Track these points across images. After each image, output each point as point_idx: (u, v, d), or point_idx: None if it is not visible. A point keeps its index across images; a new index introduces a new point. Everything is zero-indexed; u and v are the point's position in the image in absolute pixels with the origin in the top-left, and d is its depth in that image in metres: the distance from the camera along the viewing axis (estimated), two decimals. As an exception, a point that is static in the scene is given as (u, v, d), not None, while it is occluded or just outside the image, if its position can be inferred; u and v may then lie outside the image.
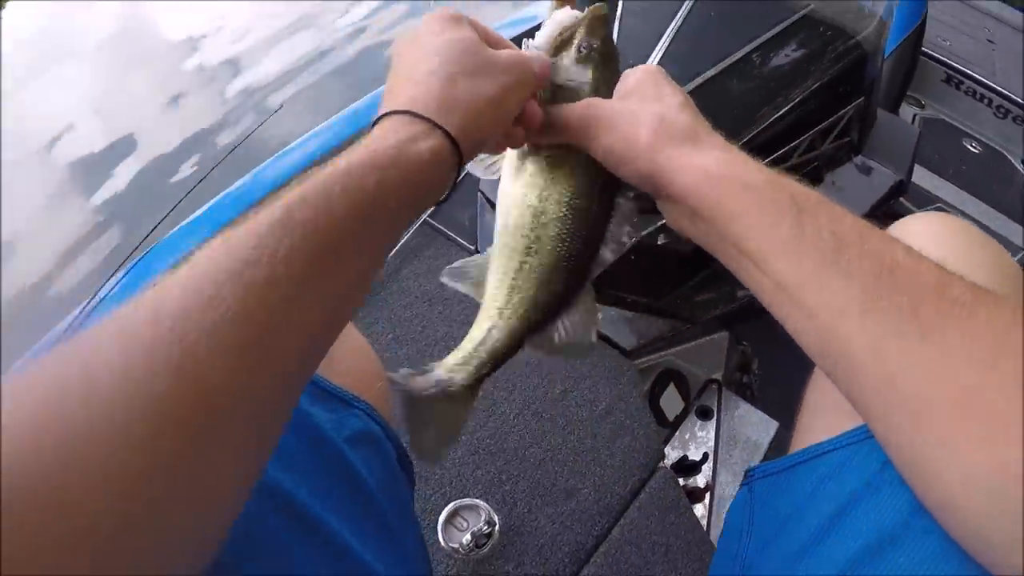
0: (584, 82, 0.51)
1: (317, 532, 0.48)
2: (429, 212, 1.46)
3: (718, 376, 1.31)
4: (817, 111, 1.23)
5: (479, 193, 1.32)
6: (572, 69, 0.51)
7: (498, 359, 0.52)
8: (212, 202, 1.34)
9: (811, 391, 0.59)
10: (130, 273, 1.23)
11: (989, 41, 2.22)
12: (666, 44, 1.15)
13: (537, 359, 1.22)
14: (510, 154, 0.53)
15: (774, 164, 1.20)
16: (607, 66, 0.52)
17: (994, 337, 0.37)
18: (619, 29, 1.19)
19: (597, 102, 0.50)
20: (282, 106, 2.16)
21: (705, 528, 1.15)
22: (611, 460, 1.11)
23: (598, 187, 0.51)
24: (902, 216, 0.63)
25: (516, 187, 0.52)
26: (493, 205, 0.99)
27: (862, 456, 0.48)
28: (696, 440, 1.25)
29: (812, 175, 1.32)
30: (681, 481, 1.15)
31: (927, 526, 0.41)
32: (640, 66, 0.53)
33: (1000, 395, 0.35)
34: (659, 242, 1.12)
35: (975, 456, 0.35)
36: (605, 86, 0.52)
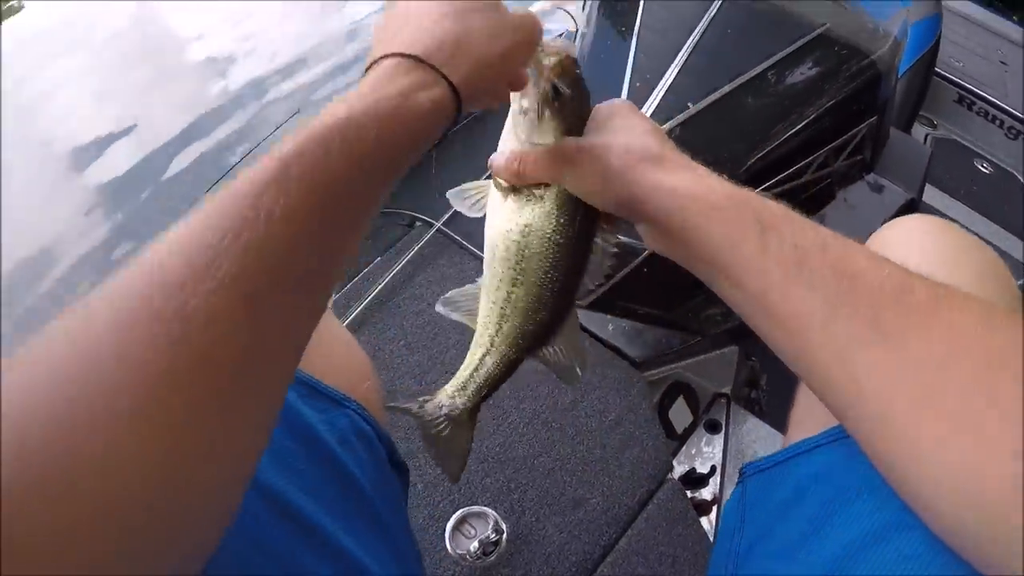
0: (557, 123, 0.52)
1: (310, 531, 0.48)
2: (443, 220, 1.47)
3: (727, 390, 1.31)
4: (831, 129, 1.24)
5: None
6: (544, 111, 0.51)
7: (493, 384, 0.55)
8: None
9: (802, 391, 0.59)
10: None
11: (1002, 63, 2.23)
12: (683, 59, 1.16)
13: (547, 369, 1.23)
14: (493, 191, 0.55)
15: (787, 180, 1.22)
16: (578, 105, 0.53)
17: (953, 338, 0.37)
18: (637, 43, 1.20)
19: (567, 141, 0.50)
20: (299, 111, 2.17)
21: (712, 540, 1.15)
22: (619, 471, 1.12)
23: (577, 220, 0.52)
24: None
25: (500, 222, 0.53)
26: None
27: (851, 450, 0.48)
28: (704, 453, 1.25)
29: (825, 192, 1.32)
30: (689, 493, 1.15)
31: (912, 522, 0.41)
32: (610, 100, 0.55)
33: (957, 395, 0.36)
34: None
35: (937, 455, 0.36)
36: (578, 123, 0.53)
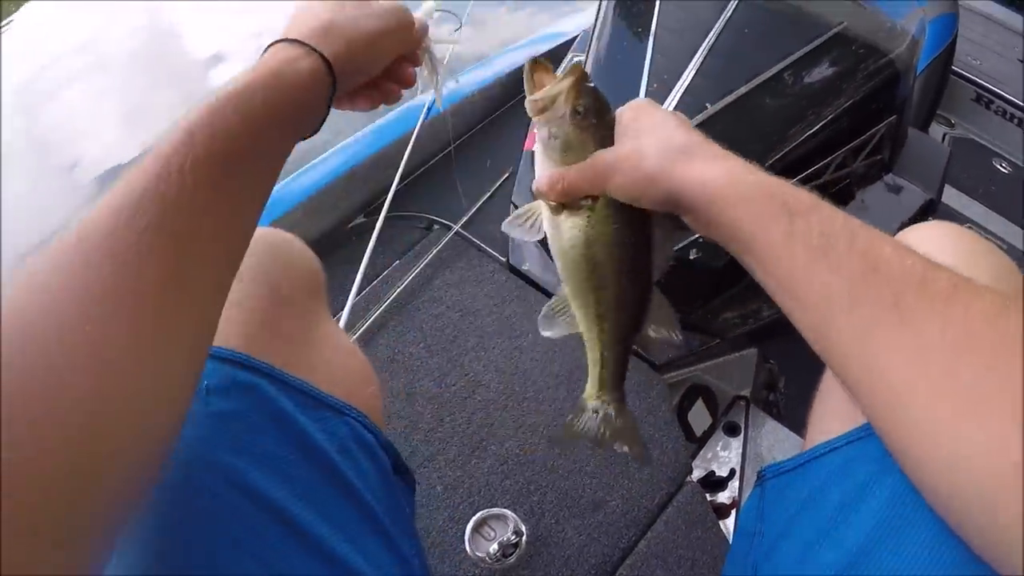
0: (586, 140, 0.54)
1: (309, 541, 0.48)
2: (461, 223, 1.48)
3: (746, 393, 1.30)
4: (849, 129, 1.24)
5: (511, 205, 1.33)
6: (572, 133, 0.53)
7: (620, 370, 0.59)
8: None
9: (820, 394, 0.60)
10: None
11: (1020, 60, 2.21)
12: (700, 60, 1.16)
13: (567, 371, 1.23)
14: (546, 214, 0.57)
15: (806, 181, 1.21)
16: (601, 118, 0.54)
17: (970, 323, 0.38)
18: (654, 44, 1.20)
19: (600, 154, 0.53)
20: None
21: (731, 544, 1.15)
22: (639, 473, 1.12)
23: (632, 220, 0.54)
24: None
25: (562, 240, 0.56)
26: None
27: (871, 449, 0.49)
28: (723, 456, 1.24)
29: (843, 192, 1.32)
30: (708, 496, 1.15)
31: (923, 518, 0.43)
32: (630, 103, 0.56)
33: (972, 378, 0.36)
34: (691, 257, 1.12)
35: (949, 438, 0.37)
36: (607, 133, 0.54)
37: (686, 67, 1.16)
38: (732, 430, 1.27)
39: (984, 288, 0.40)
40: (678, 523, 1.08)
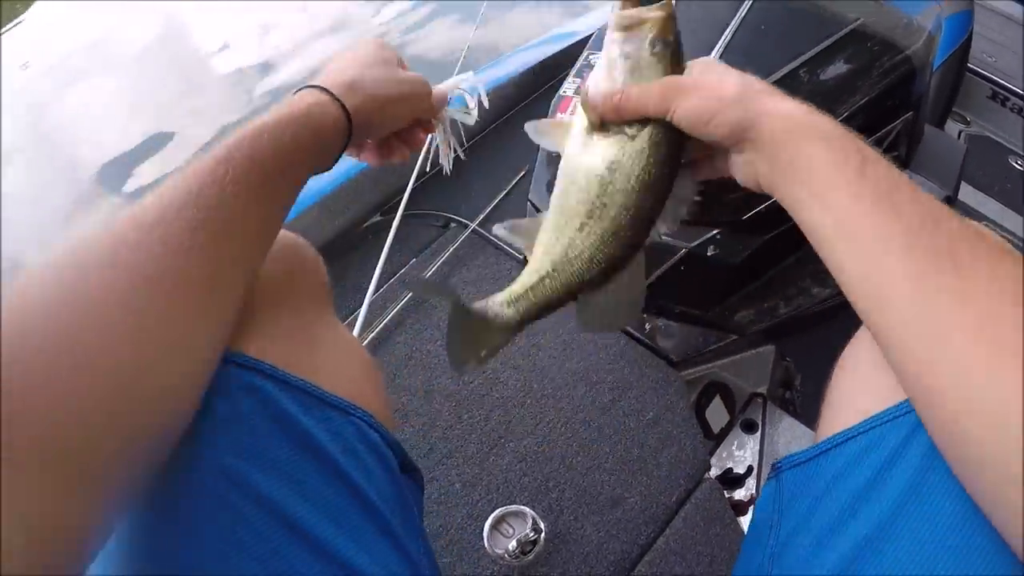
0: (658, 71, 0.54)
1: (313, 542, 0.49)
2: (478, 221, 1.48)
3: (763, 390, 1.30)
4: (866, 125, 1.23)
5: (528, 203, 1.33)
6: (647, 59, 0.54)
7: (545, 307, 0.57)
8: None
9: (833, 386, 0.60)
10: None
11: None
12: (717, 57, 1.16)
13: (584, 368, 1.23)
14: (577, 126, 0.57)
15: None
16: (676, 59, 0.55)
17: (1018, 281, 0.40)
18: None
19: (675, 76, 0.54)
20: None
21: (745, 538, 1.15)
22: (657, 470, 1.12)
23: (664, 163, 0.55)
24: None
25: (585, 157, 0.56)
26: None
27: (887, 436, 0.50)
28: (740, 453, 1.24)
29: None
30: (725, 493, 1.15)
31: (939, 504, 0.44)
32: (700, 59, 0.58)
33: (1014, 327, 0.38)
34: (708, 253, 1.12)
35: (981, 380, 0.39)
36: (677, 72, 0.55)
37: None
38: (749, 427, 1.27)
39: None
40: (697, 520, 1.08)
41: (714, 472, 1.19)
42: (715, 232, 1.12)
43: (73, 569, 0.37)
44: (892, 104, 1.26)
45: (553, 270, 0.56)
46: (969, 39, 1.85)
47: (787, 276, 1.27)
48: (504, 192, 1.57)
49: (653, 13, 0.53)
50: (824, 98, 1.18)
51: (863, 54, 1.23)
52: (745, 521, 1.15)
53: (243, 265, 0.50)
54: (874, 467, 0.49)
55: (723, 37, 1.19)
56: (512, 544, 1.01)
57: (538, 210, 1.30)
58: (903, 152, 1.35)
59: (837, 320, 1.28)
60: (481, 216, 1.49)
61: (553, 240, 0.56)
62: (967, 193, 1.85)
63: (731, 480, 1.20)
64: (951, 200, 1.39)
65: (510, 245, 0.60)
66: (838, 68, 1.22)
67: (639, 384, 1.21)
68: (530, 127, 0.59)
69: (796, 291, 1.26)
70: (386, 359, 1.28)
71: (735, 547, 1.06)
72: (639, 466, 1.12)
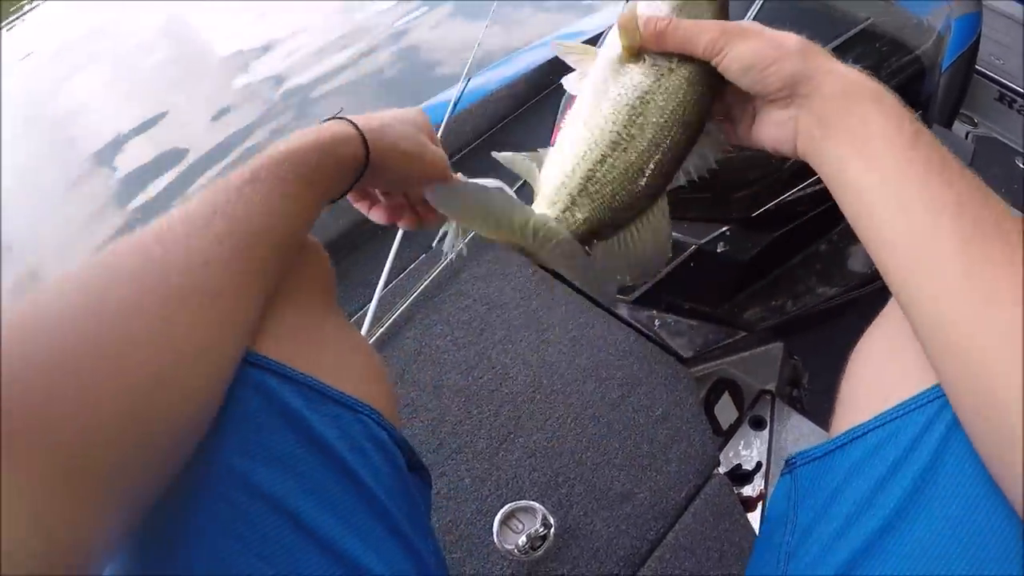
0: (706, 14, 0.54)
1: (320, 539, 0.49)
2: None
3: (771, 387, 1.30)
4: (875, 124, 1.23)
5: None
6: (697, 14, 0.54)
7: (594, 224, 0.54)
8: None
9: (846, 381, 0.60)
10: None
11: None
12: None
13: (593, 364, 1.23)
14: (607, 50, 0.55)
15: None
16: (724, 10, 0.55)
17: None
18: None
19: (733, 21, 0.54)
20: (342, 109, 2.21)
21: (759, 536, 1.15)
22: (667, 466, 1.12)
23: (699, 105, 0.54)
24: None
25: (614, 85, 0.54)
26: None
27: (902, 429, 0.50)
28: (749, 449, 1.25)
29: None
30: (735, 489, 1.15)
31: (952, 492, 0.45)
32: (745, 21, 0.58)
33: None
34: (718, 250, 1.13)
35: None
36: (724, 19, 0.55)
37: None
38: (758, 424, 1.27)
39: None
40: (706, 515, 1.08)
41: (723, 468, 1.19)
42: (724, 229, 1.13)
43: (92, 570, 0.38)
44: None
45: (574, 204, 0.54)
46: (978, 40, 1.85)
47: (794, 274, 1.27)
48: (515, 187, 1.56)
49: None
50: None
51: (872, 54, 1.24)
52: (753, 517, 1.15)
53: (265, 279, 0.52)
54: (889, 460, 0.49)
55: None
56: (522, 539, 1.01)
57: None
58: (912, 152, 1.35)
59: (844, 318, 1.29)
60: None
61: (569, 172, 0.54)
62: (974, 194, 1.84)
63: (739, 477, 1.21)
64: None
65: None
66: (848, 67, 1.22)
67: (648, 380, 1.21)
68: (555, 46, 0.58)
69: (804, 289, 1.27)
70: (395, 354, 1.28)
71: (745, 543, 1.06)
72: (648, 462, 1.12)
